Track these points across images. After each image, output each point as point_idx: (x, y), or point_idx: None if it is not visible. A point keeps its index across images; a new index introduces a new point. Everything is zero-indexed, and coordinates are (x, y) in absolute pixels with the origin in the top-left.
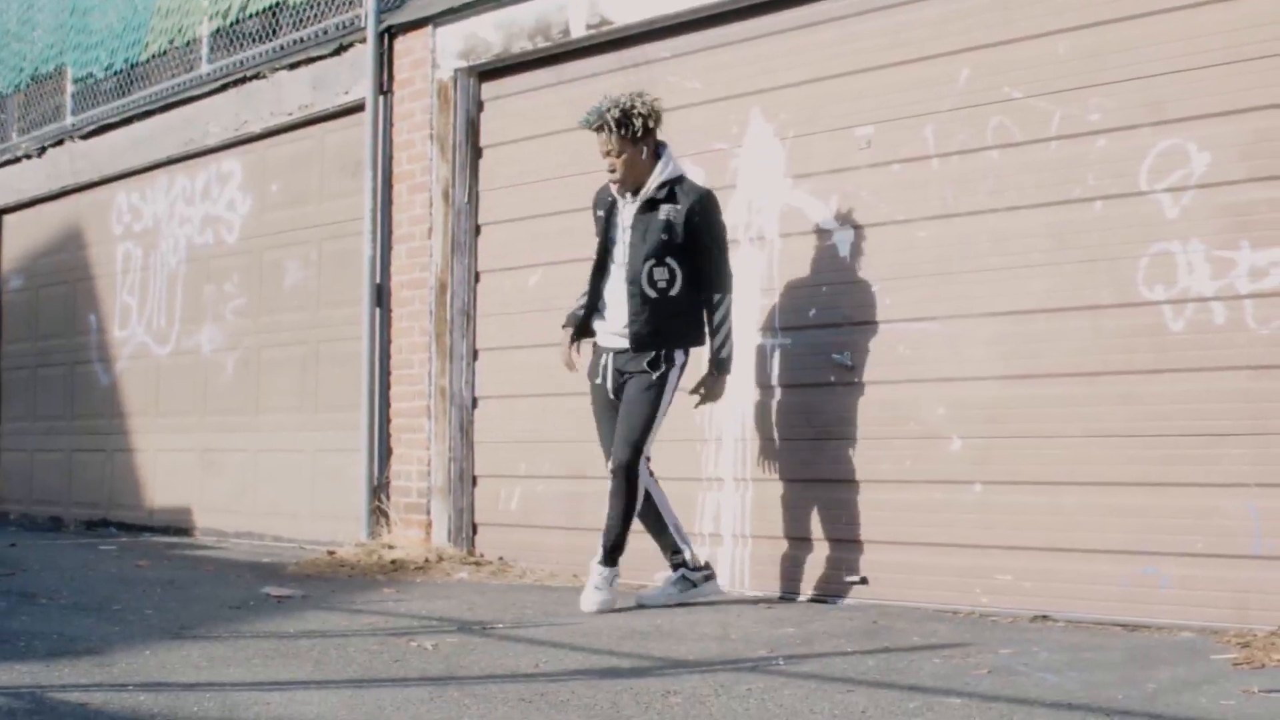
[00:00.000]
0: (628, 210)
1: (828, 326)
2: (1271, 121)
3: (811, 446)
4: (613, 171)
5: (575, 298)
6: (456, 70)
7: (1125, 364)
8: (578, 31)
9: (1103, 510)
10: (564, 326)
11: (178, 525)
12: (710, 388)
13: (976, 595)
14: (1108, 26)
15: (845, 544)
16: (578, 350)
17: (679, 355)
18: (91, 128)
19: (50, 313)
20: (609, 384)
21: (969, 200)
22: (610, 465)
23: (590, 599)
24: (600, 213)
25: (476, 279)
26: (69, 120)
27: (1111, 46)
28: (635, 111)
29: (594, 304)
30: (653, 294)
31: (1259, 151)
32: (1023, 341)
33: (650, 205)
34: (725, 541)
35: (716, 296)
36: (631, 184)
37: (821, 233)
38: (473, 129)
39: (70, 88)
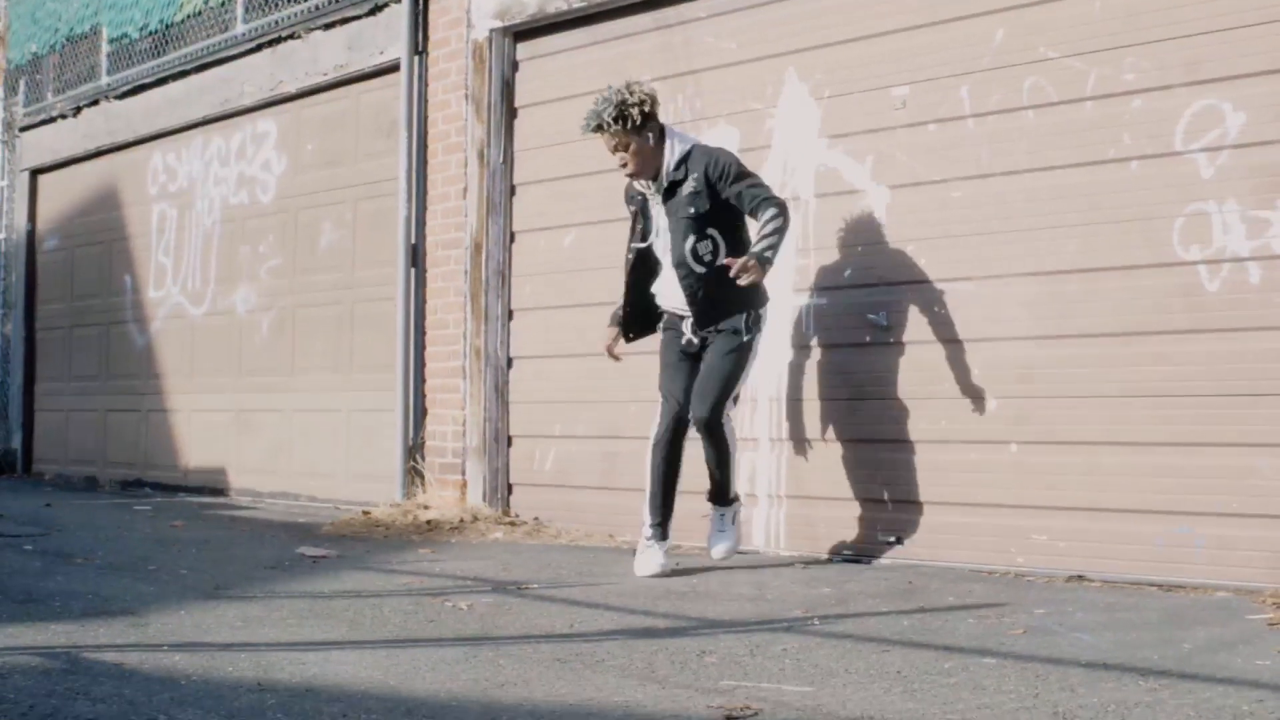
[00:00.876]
0: (657, 200)
1: (863, 287)
2: None
3: (847, 407)
4: (625, 166)
5: (617, 291)
6: (492, 30)
7: (1161, 324)
8: None
9: (1138, 470)
10: (609, 326)
11: (213, 485)
12: (747, 266)
13: (1012, 555)
14: None
15: (880, 504)
16: (620, 342)
17: (764, 316)
18: (127, 88)
19: (86, 273)
20: (683, 340)
21: (1004, 160)
22: (693, 420)
23: (717, 548)
24: (633, 208)
25: (512, 239)
26: (104, 80)
27: (1146, 6)
28: (629, 103)
29: (640, 303)
30: (700, 269)
31: None
32: (1058, 302)
33: (673, 187)
34: (761, 502)
35: (769, 211)
36: (649, 172)
37: (857, 193)
38: (508, 89)
39: (106, 48)
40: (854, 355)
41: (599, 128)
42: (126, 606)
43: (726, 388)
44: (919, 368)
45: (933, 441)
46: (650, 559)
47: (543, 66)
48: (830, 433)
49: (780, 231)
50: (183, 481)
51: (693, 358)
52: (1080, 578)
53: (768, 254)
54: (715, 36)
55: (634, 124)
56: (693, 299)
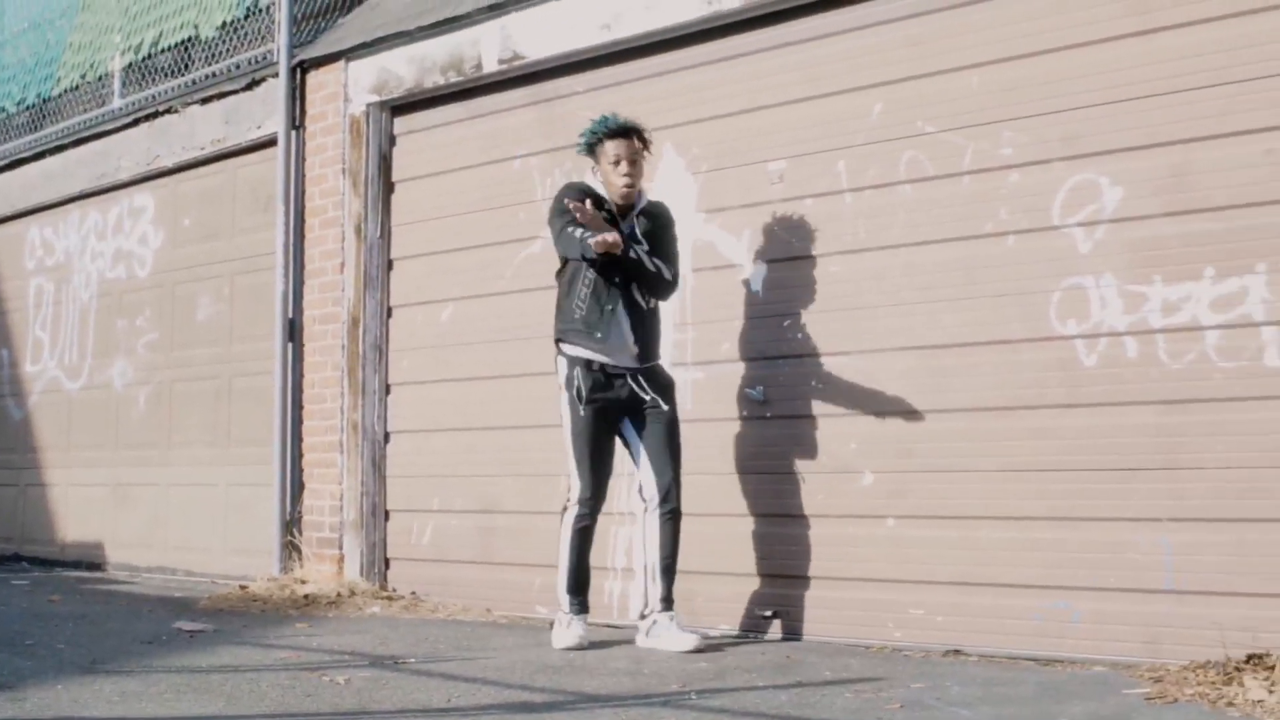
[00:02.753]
0: (627, 230)
1: (741, 361)
2: (1184, 156)
3: (725, 481)
4: (628, 178)
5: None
6: (369, 105)
7: (1038, 398)
8: (490, 66)
9: (1015, 545)
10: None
11: (90, 560)
12: (610, 237)
13: (889, 630)
14: (1021, 61)
15: (758, 578)
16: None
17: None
18: (4, 162)
19: None
20: (609, 404)
21: (882, 235)
22: (666, 498)
23: (685, 641)
24: (606, 214)
25: (389, 314)
26: None
27: (1025, 80)
28: (645, 129)
29: (589, 315)
30: (645, 305)
31: (1172, 186)
32: (935, 375)
33: (637, 225)
34: (638, 575)
35: (667, 271)
36: (633, 196)
37: (734, 267)
38: (385, 163)
39: None
40: (731, 429)
41: (636, 133)
42: (3, 681)
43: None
44: (796, 441)
45: (810, 515)
46: (573, 632)
47: (420, 141)
48: (707, 507)
49: (658, 283)
50: (60, 556)
51: (615, 436)
52: (957, 652)
53: (637, 255)
54: (592, 110)
55: (648, 148)
56: (636, 333)
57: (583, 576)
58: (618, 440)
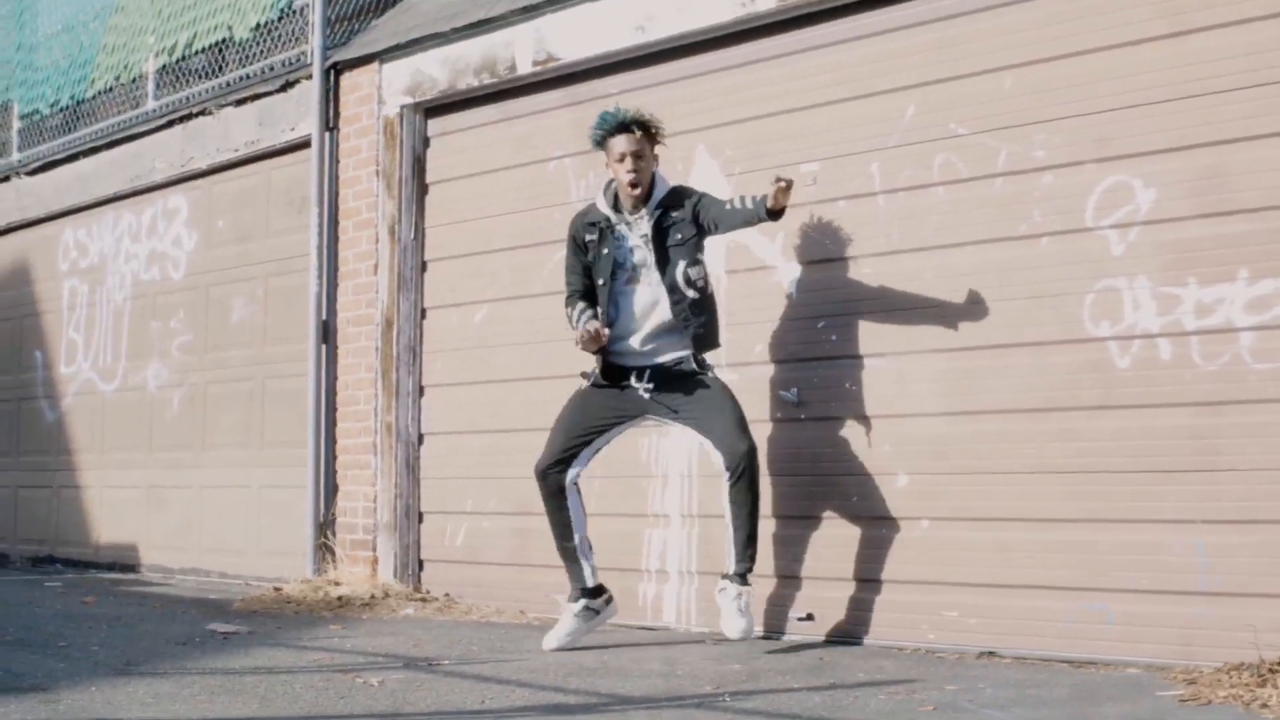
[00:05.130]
0: (640, 225)
1: (774, 363)
2: (1217, 158)
3: (760, 483)
4: (633, 174)
5: (574, 318)
6: (403, 106)
7: (1071, 400)
8: (524, 68)
9: (1049, 546)
10: (583, 340)
11: (124, 562)
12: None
13: (923, 631)
14: (1053, 63)
15: (791, 580)
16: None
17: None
18: (38, 164)
19: None
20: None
21: (915, 237)
22: (730, 464)
23: (733, 627)
24: (590, 237)
25: (423, 315)
26: (15, 156)
27: (1057, 82)
28: (650, 119)
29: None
30: (694, 294)
31: (1204, 188)
32: (968, 377)
33: (663, 216)
34: (672, 578)
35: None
36: (646, 188)
37: (767, 269)
38: (419, 165)
39: (16, 124)
40: (765, 431)
41: (636, 125)
42: (37, 683)
43: (744, 416)
44: (830, 443)
45: (844, 517)
46: (559, 629)
47: (454, 142)
48: None
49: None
50: (94, 558)
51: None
52: (991, 654)
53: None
54: None
55: (652, 143)
56: (688, 322)
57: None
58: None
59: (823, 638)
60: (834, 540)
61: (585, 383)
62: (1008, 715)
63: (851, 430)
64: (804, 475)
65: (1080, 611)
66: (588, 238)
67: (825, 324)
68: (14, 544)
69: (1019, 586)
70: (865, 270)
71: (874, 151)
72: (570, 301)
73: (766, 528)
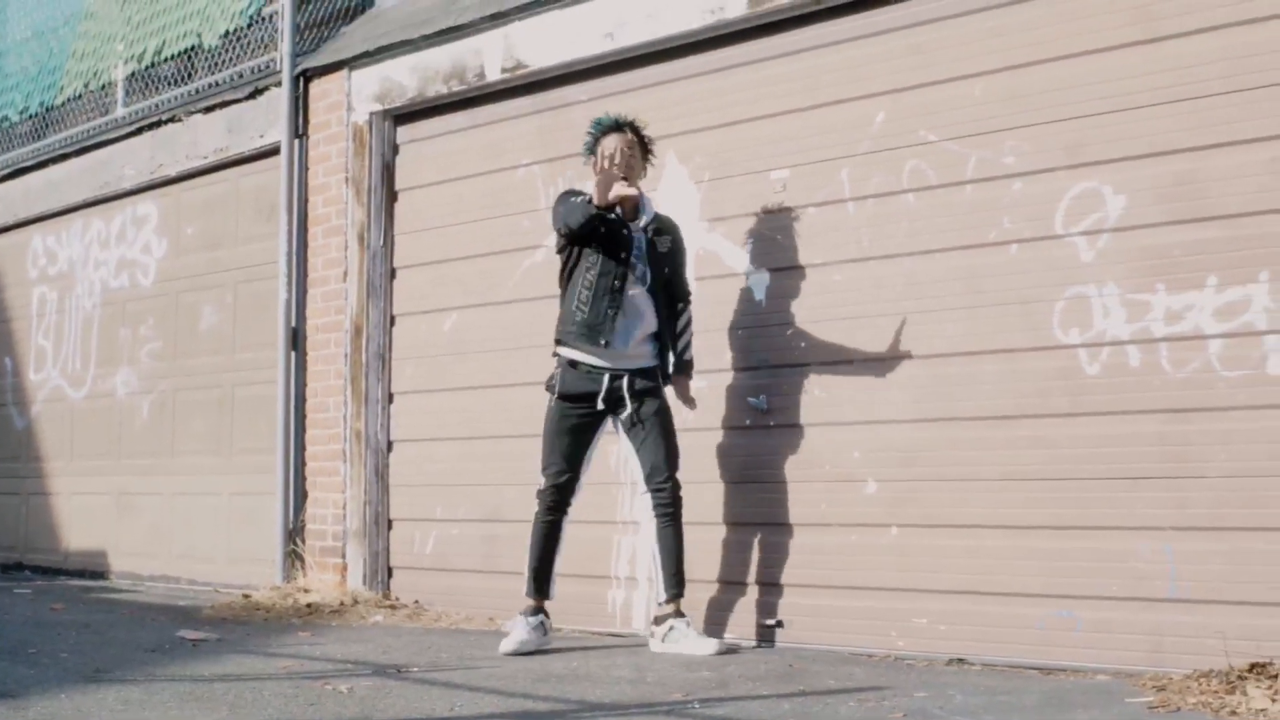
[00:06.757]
0: (637, 236)
1: (743, 370)
2: (1188, 165)
3: (727, 490)
4: (619, 167)
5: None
6: (372, 114)
7: (1040, 407)
8: (493, 75)
9: (1018, 553)
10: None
11: (93, 569)
12: (688, 392)
13: (892, 639)
14: (1025, 69)
15: (762, 587)
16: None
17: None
18: (7, 171)
19: None
20: (599, 404)
21: (884, 243)
22: (660, 488)
23: (706, 645)
24: (614, 219)
25: (392, 322)
26: None
27: (1028, 89)
28: (646, 136)
29: (590, 318)
30: (667, 325)
31: (1175, 195)
32: (938, 385)
33: (656, 234)
34: (640, 585)
35: (688, 307)
36: (632, 203)
37: (736, 276)
38: (388, 172)
39: None
40: (734, 438)
41: (630, 127)
42: (6, 689)
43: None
44: (799, 450)
45: (813, 525)
46: (513, 636)
47: (423, 149)
48: (710, 516)
49: (691, 324)
50: (63, 564)
51: (587, 433)
52: (960, 661)
53: (689, 357)
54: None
55: (646, 150)
56: (633, 334)
57: (540, 570)
58: (604, 440)
59: (792, 645)
60: (803, 547)
61: (552, 396)
62: None
63: (820, 437)
64: (773, 482)
65: (1050, 618)
66: (610, 215)
67: (794, 331)
68: None
69: (988, 593)
70: (835, 277)
71: (844, 158)
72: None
73: (738, 535)
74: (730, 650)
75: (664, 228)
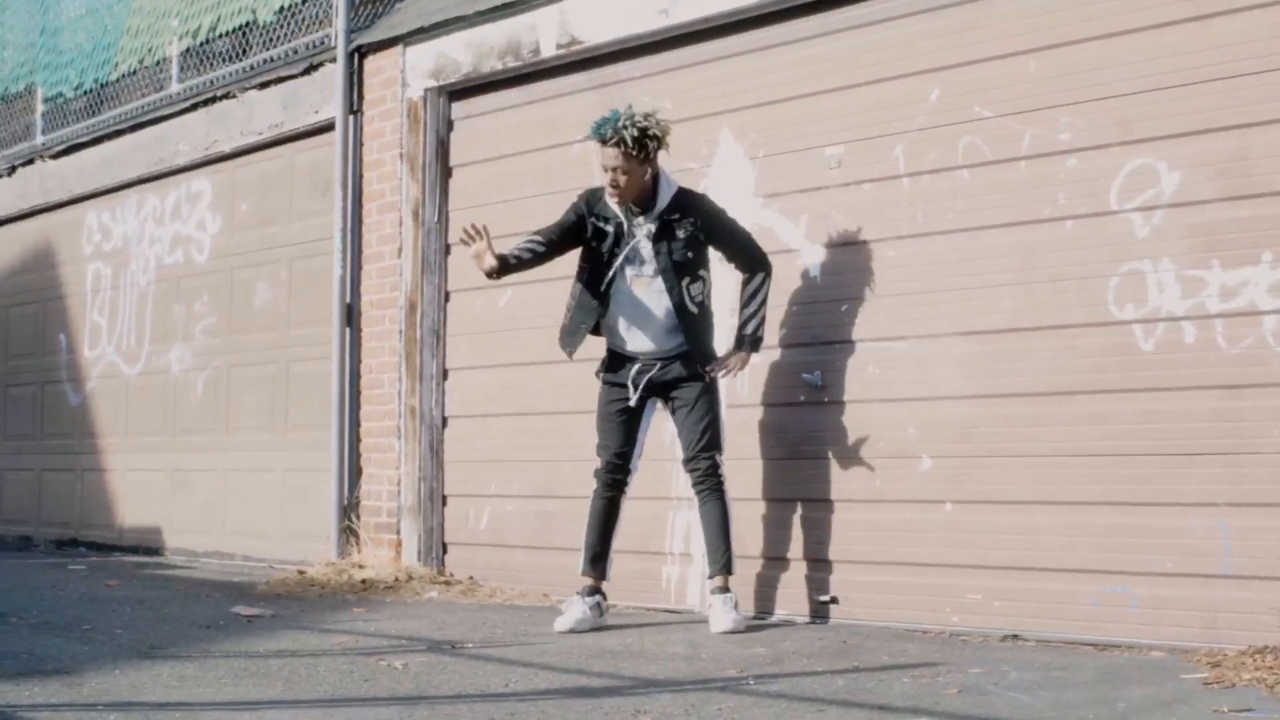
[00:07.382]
0: (643, 230)
1: (798, 346)
2: (1241, 141)
3: (781, 466)
4: (615, 187)
5: (565, 311)
6: (426, 89)
7: (1095, 383)
8: (548, 51)
9: (1073, 529)
10: (568, 341)
11: (147, 545)
12: (739, 363)
13: (947, 615)
14: (1077, 46)
15: (816, 563)
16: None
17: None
18: (61, 147)
19: (20, 332)
20: (634, 393)
21: (939, 220)
22: (694, 467)
23: (721, 623)
24: (603, 224)
25: (446, 298)
26: (39, 139)
27: (1081, 65)
28: (650, 132)
29: (599, 316)
30: (695, 310)
31: (1229, 171)
32: (993, 361)
33: (665, 225)
34: (695, 561)
35: (761, 275)
36: (631, 199)
37: (791, 252)
38: (443, 148)
39: (40, 107)
40: (788, 414)
41: (617, 142)
42: (61, 666)
43: (719, 426)
44: (853, 427)
45: (867, 501)
46: (569, 615)
47: (478, 125)
48: (765, 492)
49: (767, 299)
50: (118, 541)
51: (634, 414)
52: (1015, 637)
53: (760, 334)
54: (651, 96)
55: (644, 155)
56: (689, 336)
57: (597, 550)
58: (659, 417)
59: (846, 620)
60: (857, 523)
61: (600, 380)
62: (1032, 698)
63: (875, 413)
64: (827, 458)
65: (1104, 594)
66: (600, 226)
67: (848, 307)
68: (38, 527)
69: (1043, 570)
70: (889, 253)
71: (898, 135)
72: (531, 235)
73: (792, 511)
74: (782, 621)
75: (686, 210)
